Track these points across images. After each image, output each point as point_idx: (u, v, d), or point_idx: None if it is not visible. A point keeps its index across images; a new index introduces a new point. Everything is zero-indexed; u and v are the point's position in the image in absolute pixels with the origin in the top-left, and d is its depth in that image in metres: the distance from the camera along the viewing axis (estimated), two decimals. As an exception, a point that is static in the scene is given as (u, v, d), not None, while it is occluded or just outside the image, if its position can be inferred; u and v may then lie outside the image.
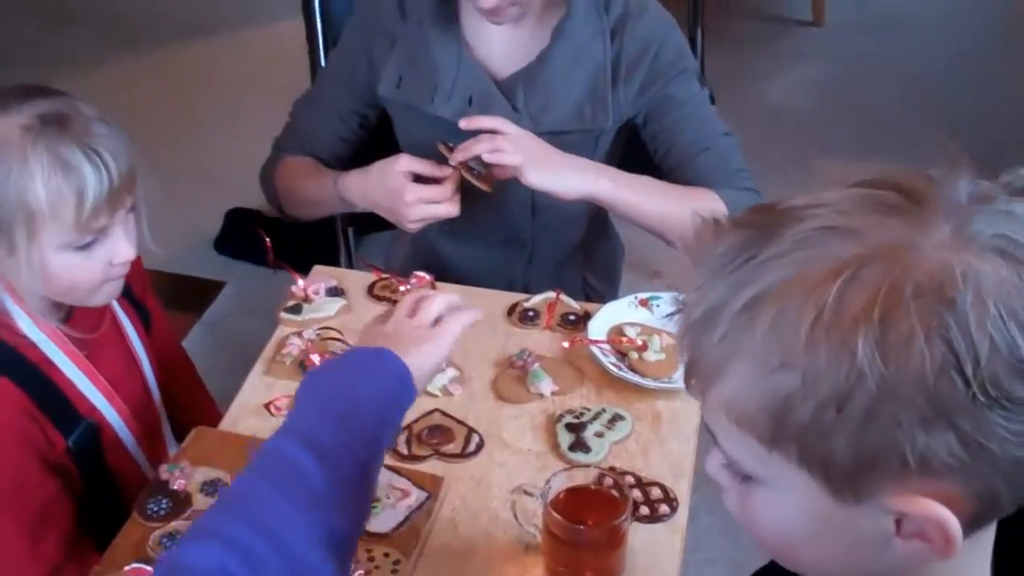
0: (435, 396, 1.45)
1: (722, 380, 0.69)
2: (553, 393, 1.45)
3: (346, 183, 1.65)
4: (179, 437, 1.51)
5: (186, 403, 1.61)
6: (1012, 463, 0.64)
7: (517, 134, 1.56)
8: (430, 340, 1.15)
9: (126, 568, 1.16)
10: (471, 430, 1.40)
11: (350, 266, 2.33)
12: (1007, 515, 0.70)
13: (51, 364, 1.34)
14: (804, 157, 2.96)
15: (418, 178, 1.57)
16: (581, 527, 1.16)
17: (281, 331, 1.56)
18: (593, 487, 1.22)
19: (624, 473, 1.33)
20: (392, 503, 1.27)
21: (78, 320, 1.36)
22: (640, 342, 1.52)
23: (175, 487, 1.28)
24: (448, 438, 1.38)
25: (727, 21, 3.86)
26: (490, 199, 1.60)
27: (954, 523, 0.65)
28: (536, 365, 1.47)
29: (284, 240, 1.73)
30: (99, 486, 1.41)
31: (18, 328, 1.32)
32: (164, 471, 1.29)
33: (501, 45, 1.67)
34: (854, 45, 3.93)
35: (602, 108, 1.65)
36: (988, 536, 0.73)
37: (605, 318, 1.56)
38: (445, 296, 1.23)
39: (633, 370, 1.48)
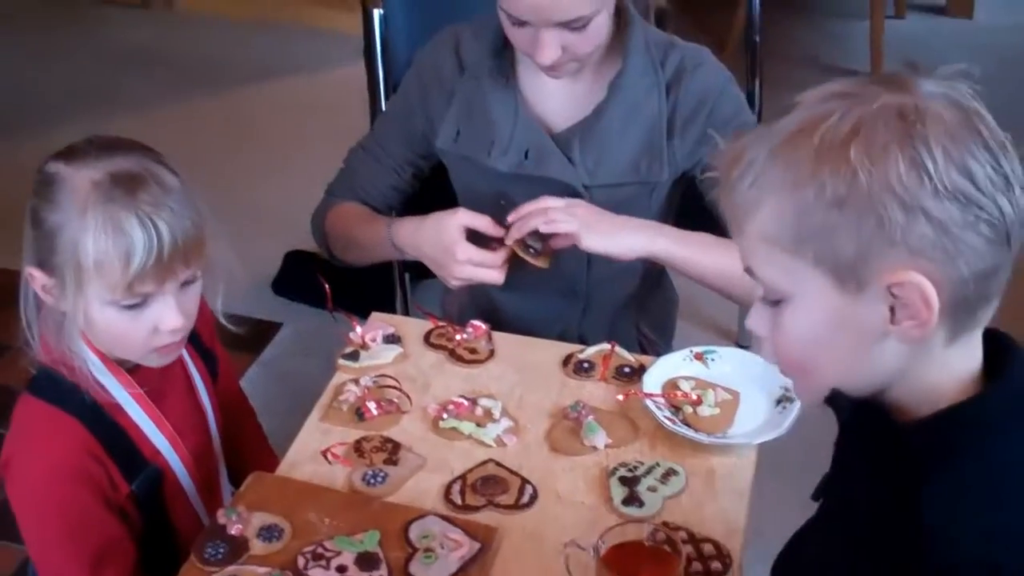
0: (489, 446, 1.45)
1: (756, 213, 0.92)
2: (607, 446, 1.45)
3: (399, 229, 1.67)
4: (235, 482, 1.53)
5: (245, 450, 1.63)
6: (971, 249, 0.87)
7: (567, 204, 1.57)
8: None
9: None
10: (524, 481, 1.40)
11: (406, 311, 2.35)
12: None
13: (120, 409, 1.37)
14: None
15: (472, 233, 1.58)
16: (634, 583, 1.16)
17: (339, 377, 1.58)
18: (646, 542, 1.22)
19: (677, 528, 1.32)
20: (446, 554, 1.27)
21: (146, 367, 1.39)
22: (695, 396, 1.52)
23: (232, 532, 1.29)
24: (502, 489, 1.38)
25: (784, 70, 3.85)
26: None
27: (932, 290, 0.87)
28: (590, 417, 1.48)
29: (341, 284, 1.75)
30: (158, 530, 1.43)
31: (90, 372, 1.34)
32: (222, 515, 1.30)
33: (557, 99, 1.69)
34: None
35: (658, 161, 1.66)
36: (970, 345, 0.94)
37: (660, 371, 1.56)
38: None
39: (687, 424, 1.48)
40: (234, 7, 4.32)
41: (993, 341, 0.97)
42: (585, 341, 1.79)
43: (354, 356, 1.60)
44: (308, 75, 4.03)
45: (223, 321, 1.45)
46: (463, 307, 1.90)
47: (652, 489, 1.38)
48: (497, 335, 1.66)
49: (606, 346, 1.62)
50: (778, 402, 1.51)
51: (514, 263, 1.60)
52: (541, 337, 1.72)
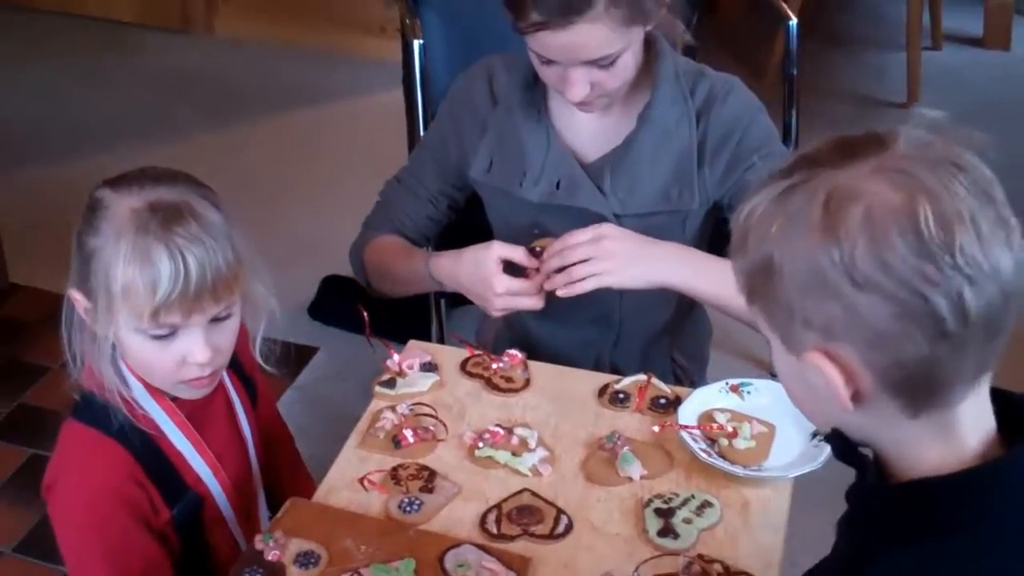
0: (525, 475, 1.46)
1: (733, 257, 0.96)
2: (642, 477, 1.45)
3: (438, 264, 1.69)
4: (272, 506, 1.54)
5: (283, 474, 1.65)
6: (893, 339, 0.85)
7: (593, 237, 1.56)
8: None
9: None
10: (560, 511, 1.40)
11: (441, 338, 2.36)
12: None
13: (162, 434, 1.39)
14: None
15: (508, 264, 1.60)
16: (669, 616, 1.17)
17: (375, 404, 1.59)
18: (681, 575, 1.22)
19: (712, 561, 1.32)
20: (481, 583, 1.28)
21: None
22: (731, 428, 1.52)
23: (269, 557, 1.30)
24: (537, 518, 1.39)
25: (821, 102, 3.85)
26: None
27: (832, 373, 0.88)
28: (626, 448, 1.48)
29: (377, 311, 1.76)
30: (196, 555, 1.44)
31: (134, 398, 1.36)
32: (259, 541, 1.31)
33: (588, 130, 1.71)
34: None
35: (688, 190, 1.66)
36: (954, 423, 0.91)
37: (696, 403, 1.56)
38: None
39: (723, 457, 1.48)
40: (275, 32, 4.36)
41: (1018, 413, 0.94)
42: (618, 370, 1.80)
43: (391, 384, 1.61)
44: (347, 101, 4.06)
45: (260, 360, 1.46)
46: (498, 336, 1.91)
47: (687, 521, 1.38)
48: (533, 364, 1.67)
49: (642, 377, 1.63)
50: (813, 435, 1.50)
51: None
52: (574, 366, 1.73)
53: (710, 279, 1.59)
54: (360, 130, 3.83)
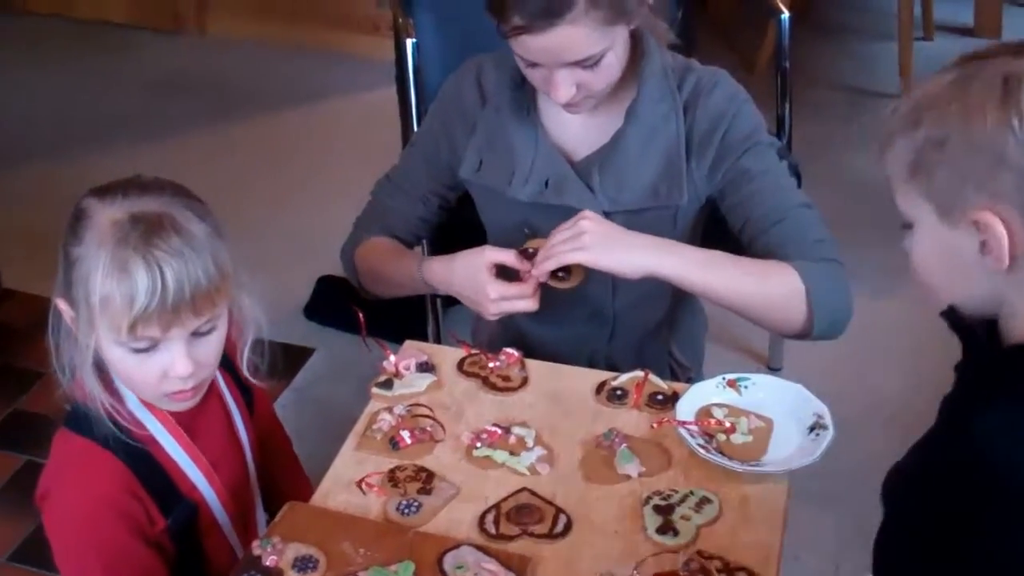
0: (523, 475, 1.46)
1: (892, 146, 1.07)
2: (640, 474, 1.45)
3: (430, 269, 1.69)
4: (270, 511, 1.54)
5: (280, 478, 1.64)
6: None
7: (573, 228, 1.55)
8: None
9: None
10: (559, 510, 1.40)
11: (438, 337, 2.36)
12: None
13: (157, 444, 1.38)
14: (893, 226, 2.93)
15: (500, 265, 1.60)
16: (669, 614, 1.17)
17: (372, 406, 1.59)
18: (681, 572, 1.23)
19: (711, 557, 1.32)
20: (481, 584, 1.28)
21: None
22: (728, 424, 1.52)
23: (267, 563, 1.30)
24: (536, 518, 1.38)
25: (812, 92, 3.85)
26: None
27: (1002, 230, 1.00)
28: (624, 446, 1.48)
29: (373, 311, 1.76)
30: (192, 563, 1.44)
31: (128, 408, 1.36)
32: (257, 546, 1.31)
33: (576, 129, 1.71)
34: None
35: (677, 185, 1.66)
36: None
37: (693, 399, 1.56)
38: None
39: (721, 452, 1.48)
40: (267, 31, 4.35)
41: None
42: (614, 366, 1.79)
43: (388, 385, 1.61)
44: (340, 100, 4.06)
45: (247, 374, 1.45)
46: (493, 336, 1.91)
47: (686, 518, 1.38)
48: (530, 363, 1.66)
49: (639, 373, 1.62)
50: (811, 429, 1.50)
51: (544, 287, 1.61)
52: (571, 362, 1.73)
53: (700, 268, 1.58)
54: (354, 128, 3.82)
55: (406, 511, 1.39)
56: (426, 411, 1.56)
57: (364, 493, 1.43)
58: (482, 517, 1.39)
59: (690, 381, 1.86)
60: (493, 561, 1.30)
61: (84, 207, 1.29)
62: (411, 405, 1.57)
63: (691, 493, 1.42)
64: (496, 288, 1.58)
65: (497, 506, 1.41)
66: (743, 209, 1.66)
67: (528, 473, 1.46)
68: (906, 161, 1.06)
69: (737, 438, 1.50)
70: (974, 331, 1.12)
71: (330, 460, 1.50)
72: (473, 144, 1.73)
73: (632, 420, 1.56)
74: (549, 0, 1.47)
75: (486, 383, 1.62)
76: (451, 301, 2.39)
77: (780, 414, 1.54)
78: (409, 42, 2.27)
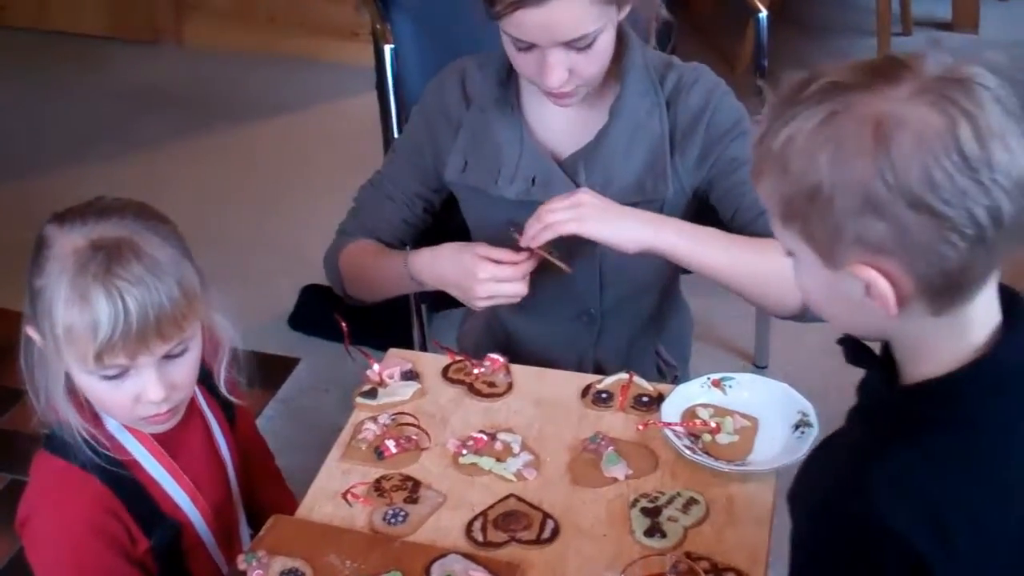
0: (510, 481, 1.45)
1: (760, 179, 1.02)
2: (627, 477, 1.45)
3: (418, 259, 1.68)
4: (255, 526, 1.53)
5: (264, 493, 1.63)
6: (936, 252, 0.93)
7: (570, 199, 1.56)
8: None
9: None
10: (546, 515, 1.40)
11: (424, 344, 2.36)
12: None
13: (138, 465, 1.37)
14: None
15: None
16: (658, 617, 1.16)
17: (357, 415, 1.58)
18: (668, 574, 1.22)
19: (699, 559, 1.32)
20: (469, 592, 1.27)
21: None
22: (713, 424, 1.52)
23: (253, 577, 1.29)
24: (523, 524, 1.38)
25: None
26: (557, 275, 1.62)
27: (885, 284, 0.96)
28: (610, 449, 1.48)
29: (358, 319, 1.75)
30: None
31: (107, 429, 1.35)
32: (242, 561, 1.30)
33: (561, 126, 1.71)
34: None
35: (663, 179, 1.67)
36: (968, 318, 1.00)
37: (678, 400, 1.56)
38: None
39: (707, 453, 1.48)
40: (244, 41, 4.34)
41: (1012, 302, 1.04)
42: (602, 365, 1.80)
43: (372, 394, 1.60)
44: (320, 107, 4.05)
45: (223, 390, 1.45)
46: (479, 340, 1.90)
47: (673, 519, 1.38)
48: (515, 368, 1.66)
49: (624, 376, 1.62)
50: (796, 427, 1.50)
51: (532, 280, 1.60)
52: (558, 363, 1.73)
53: (697, 241, 1.59)
54: (335, 136, 3.82)
55: (392, 521, 1.39)
56: (411, 419, 1.55)
57: (350, 504, 1.42)
58: (469, 525, 1.38)
59: (676, 379, 1.86)
60: (481, 569, 1.30)
61: (45, 235, 1.27)
62: (396, 414, 1.56)
63: (678, 494, 1.42)
64: (486, 268, 1.57)
65: (484, 513, 1.40)
66: (733, 197, 1.68)
67: (515, 479, 1.46)
68: (777, 203, 1.01)
69: (723, 438, 1.50)
70: (871, 364, 1.08)
71: (316, 471, 1.49)
72: (458, 146, 1.73)
73: (618, 423, 1.55)
74: None
75: (471, 389, 1.62)
76: (437, 308, 2.40)
77: (765, 413, 1.54)
78: (388, 48, 2.26)
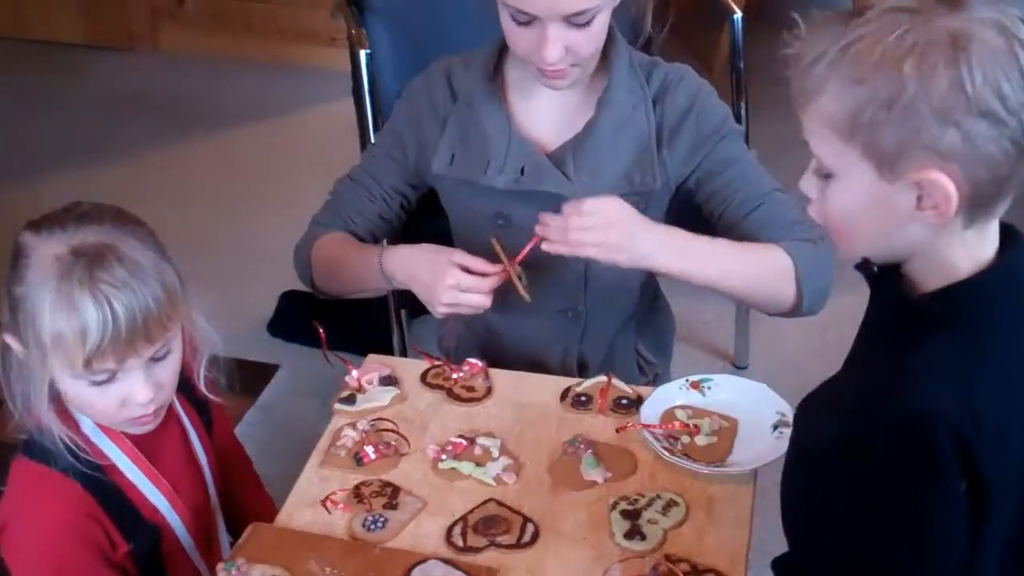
0: (490, 485, 1.45)
1: (819, 97, 1.06)
2: (607, 480, 1.45)
3: (394, 255, 1.68)
4: (234, 533, 1.52)
5: (243, 499, 1.63)
6: (991, 158, 1.02)
7: (606, 221, 1.55)
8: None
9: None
10: (526, 519, 1.40)
11: (403, 348, 2.35)
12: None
13: (116, 469, 1.37)
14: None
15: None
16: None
17: (336, 422, 1.57)
18: (649, 577, 1.22)
19: (679, 560, 1.32)
20: (449, 597, 1.27)
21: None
22: (692, 426, 1.52)
23: (233, 585, 1.29)
24: (503, 528, 1.38)
25: (769, 89, 3.85)
26: (544, 269, 1.63)
27: (952, 188, 1.02)
28: (589, 452, 1.48)
29: (337, 325, 1.75)
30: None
31: (84, 433, 1.34)
32: (221, 570, 1.30)
33: (548, 119, 1.72)
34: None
35: (650, 172, 1.68)
36: (986, 231, 1.09)
37: (657, 401, 1.56)
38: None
39: (686, 454, 1.48)
40: (222, 47, 4.32)
41: (1005, 231, 1.12)
42: (585, 363, 1.81)
43: (351, 400, 1.60)
44: (297, 113, 4.04)
45: (203, 389, 1.45)
46: (460, 338, 1.90)
47: (653, 521, 1.38)
48: (494, 372, 1.66)
49: (603, 378, 1.62)
50: (775, 427, 1.51)
51: (505, 288, 1.60)
52: (542, 360, 1.73)
53: (705, 263, 1.60)
54: (313, 141, 3.80)
55: (372, 527, 1.39)
56: (390, 425, 1.55)
57: (329, 511, 1.42)
58: (449, 530, 1.38)
59: (657, 378, 1.87)
60: (461, 574, 1.30)
61: (23, 243, 1.27)
62: (375, 420, 1.56)
63: (658, 496, 1.42)
64: (455, 276, 1.57)
65: (464, 518, 1.40)
66: (721, 197, 1.70)
67: (494, 484, 1.46)
68: (842, 117, 1.05)
69: (701, 439, 1.50)
70: (889, 282, 1.15)
71: (296, 478, 1.49)
72: (445, 139, 1.74)
73: (597, 425, 1.55)
74: None
75: (450, 394, 1.62)
76: (416, 313, 2.39)
77: (744, 413, 1.54)
78: (363, 53, 2.26)
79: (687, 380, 1.60)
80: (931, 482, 1.05)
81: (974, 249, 1.10)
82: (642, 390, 1.61)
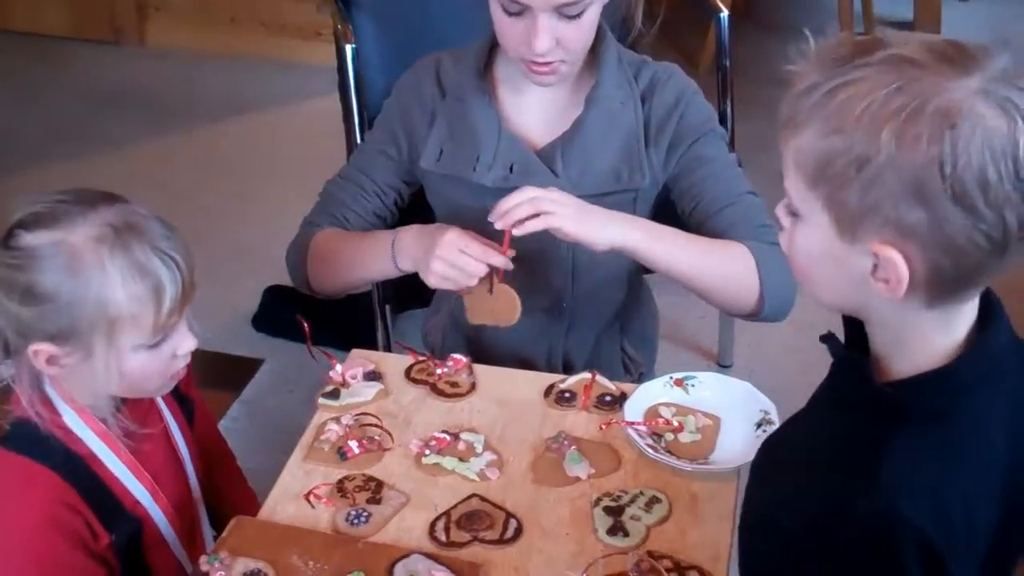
0: (473, 480, 1.45)
1: (799, 132, 0.99)
2: (590, 476, 1.45)
3: (406, 234, 1.66)
4: (217, 527, 1.52)
5: (225, 493, 1.63)
6: (960, 249, 0.94)
7: (545, 195, 1.55)
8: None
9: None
10: (509, 515, 1.40)
11: (388, 343, 2.35)
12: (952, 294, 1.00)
13: (97, 459, 1.36)
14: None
15: None
16: (620, 616, 1.17)
17: (320, 416, 1.57)
18: (631, 574, 1.22)
19: (662, 557, 1.32)
20: (431, 592, 1.27)
21: (127, 415, 1.38)
22: (676, 423, 1.52)
23: (215, 579, 1.29)
24: (486, 523, 1.38)
25: (755, 89, 3.87)
26: (530, 265, 1.63)
27: (904, 270, 0.96)
28: (572, 448, 1.48)
29: (322, 319, 1.74)
30: (138, 581, 1.42)
31: (64, 423, 1.34)
32: (204, 563, 1.30)
33: (537, 116, 1.73)
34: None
35: (638, 170, 1.69)
36: (954, 313, 1.03)
37: (640, 399, 1.56)
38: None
39: (669, 451, 1.48)
40: (207, 42, 4.32)
41: (985, 300, 1.06)
42: (570, 360, 1.81)
43: (335, 395, 1.60)
44: (282, 108, 4.04)
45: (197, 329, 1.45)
46: (446, 335, 1.90)
47: (636, 518, 1.39)
48: (478, 367, 1.66)
49: (587, 375, 1.62)
50: (758, 425, 1.51)
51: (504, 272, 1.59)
52: (527, 357, 1.72)
53: (665, 243, 1.60)
54: (298, 136, 3.80)
55: (355, 521, 1.38)
56: (374, 420, 1.55)
57: (312, 505, 1.42)
58: (432, 525, 1.38)
59: (642, 376, 1.87)
60: (444, 569, 1.30)
61: (35, 245, 1.25)
62: (359, 414, 1.56)
63: (641, 493, 1.42)
64: (460, 232, 1.56)
65: (447, 513, 1.40)
66: (694, 193, 1.71)
67: (478, 479, 1.46)
68: (812, 163, 0.99)
69: (685, 437, 1.51)
70: (855, 362, 1.08)
71: (279, 472, 1.49)
72: (434, 135, 1.74)
73: (581, 422, 1.56)
74: None
75: (434, 390, 1.62)
76: (400, 308, 2.39)
77: (727, 411, 1.55)
78: (349, 48, 2.25)
79: (671, 378, 1.60)
80: None
81: (943, 331, 1.04)
82: (626, 387, 1.62)
